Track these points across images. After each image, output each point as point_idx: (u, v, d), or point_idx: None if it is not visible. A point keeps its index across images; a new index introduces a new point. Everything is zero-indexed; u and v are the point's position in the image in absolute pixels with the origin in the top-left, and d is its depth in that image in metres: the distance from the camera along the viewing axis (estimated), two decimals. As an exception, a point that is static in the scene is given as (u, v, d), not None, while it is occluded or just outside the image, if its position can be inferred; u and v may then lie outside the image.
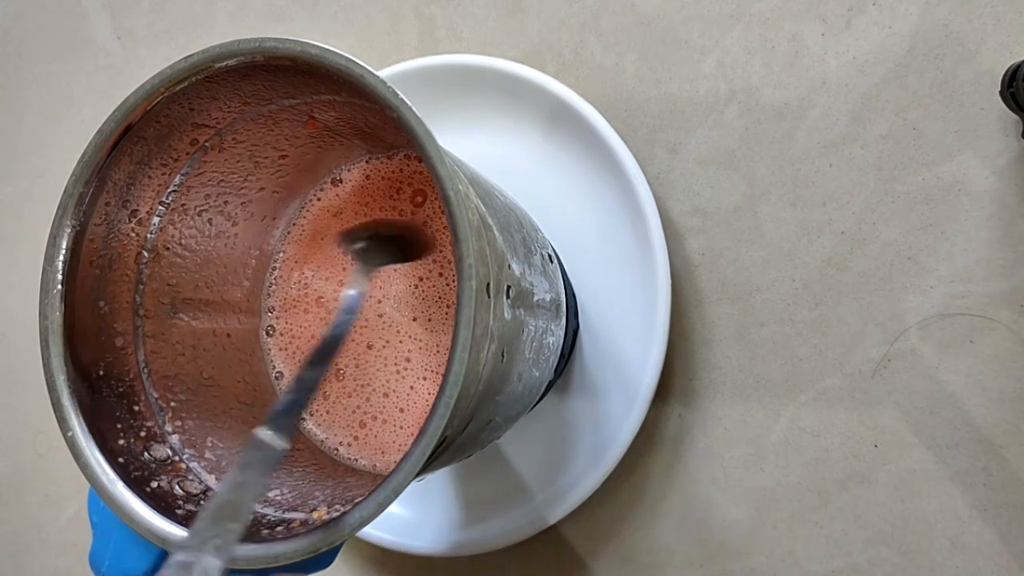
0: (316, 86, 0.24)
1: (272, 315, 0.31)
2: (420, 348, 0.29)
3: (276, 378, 0.31)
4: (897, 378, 0.32)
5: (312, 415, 0.30)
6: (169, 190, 0.27)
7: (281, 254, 0.31)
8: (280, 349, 0.31)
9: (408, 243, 0.29)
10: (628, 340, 0.34)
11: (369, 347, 0.29)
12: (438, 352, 0.29)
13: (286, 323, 0.31)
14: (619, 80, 0.37)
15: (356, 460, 0.29)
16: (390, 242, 0.29)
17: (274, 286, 0.31)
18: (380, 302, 0.30)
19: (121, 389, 0.25)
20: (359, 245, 0.28)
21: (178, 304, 0.28)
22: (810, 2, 0.34)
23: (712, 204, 0.35)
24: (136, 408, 0.26)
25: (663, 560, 0.35)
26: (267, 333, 0.31)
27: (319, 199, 0.31)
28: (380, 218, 0.30)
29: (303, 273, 0.31)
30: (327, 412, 0.30)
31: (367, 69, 0.21)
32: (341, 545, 0.21)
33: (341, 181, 0.31)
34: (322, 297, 0.31)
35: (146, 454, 0.25)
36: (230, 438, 0.28)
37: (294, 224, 0.31)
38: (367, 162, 0.30)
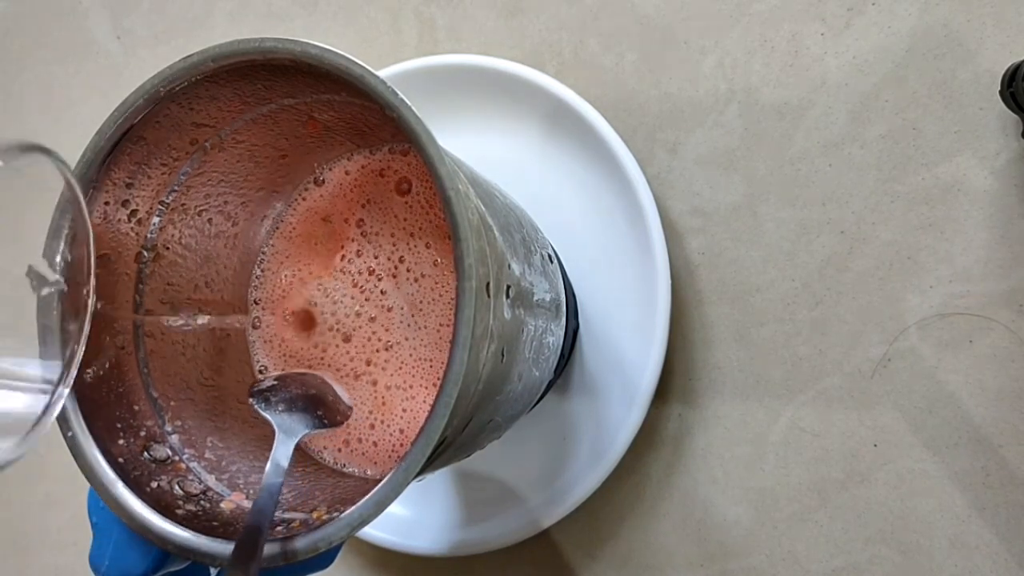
0: (316, 86, 0.24)
1: (258, 307, 0.31)
2: (420, 348, 0.29)
3: (260, 371, 0.30)
4: (896, 378, 0.32)
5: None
6: (169, 190, 0.27)
7: (268, 248, 0.31)
8: (265, 342, 0.31)
9: (322, 402, 0.27)
10: (628, 340, 0.34)
11: (367, 363, 0.29)
12: (438, 353, 0.29)
13: (271, 315, 0.31)
14: (619, 80, 0.37)
15: (344, 466, 0.29)
16: (307, 403, 0.27)
17: (261, 279, 0.31)
18: (376, 301, 0.30)
19: (121, 389, 0.25)
20: (277, 410, 0.26)
21: (178, 304, 0.28)
22: (810, 2, 0.34)
23: (712, 204, 0.35)
24: (136, 408, 0.26)
25: (663, 560, 0.35)
26: (253, 326, 0.31)
27: (304, 199, 0.31)
28: (288, 373, 0.29)
29: (294, 270, 0.31)
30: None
31: (367, 69, 0.21)
32: (341, 545, 0.21)
33: (324, 182, 0.31)
34: (310, 296, 0.30)
35: (146, 454, 0.25)
36: (230, 438, 0.28)
37: (282, 221, 0.31)
38: (348, 159, 0.30)
